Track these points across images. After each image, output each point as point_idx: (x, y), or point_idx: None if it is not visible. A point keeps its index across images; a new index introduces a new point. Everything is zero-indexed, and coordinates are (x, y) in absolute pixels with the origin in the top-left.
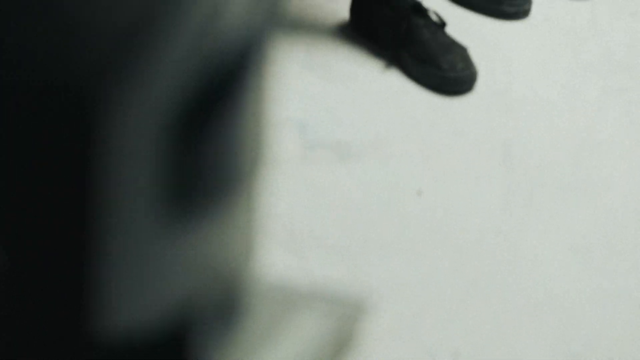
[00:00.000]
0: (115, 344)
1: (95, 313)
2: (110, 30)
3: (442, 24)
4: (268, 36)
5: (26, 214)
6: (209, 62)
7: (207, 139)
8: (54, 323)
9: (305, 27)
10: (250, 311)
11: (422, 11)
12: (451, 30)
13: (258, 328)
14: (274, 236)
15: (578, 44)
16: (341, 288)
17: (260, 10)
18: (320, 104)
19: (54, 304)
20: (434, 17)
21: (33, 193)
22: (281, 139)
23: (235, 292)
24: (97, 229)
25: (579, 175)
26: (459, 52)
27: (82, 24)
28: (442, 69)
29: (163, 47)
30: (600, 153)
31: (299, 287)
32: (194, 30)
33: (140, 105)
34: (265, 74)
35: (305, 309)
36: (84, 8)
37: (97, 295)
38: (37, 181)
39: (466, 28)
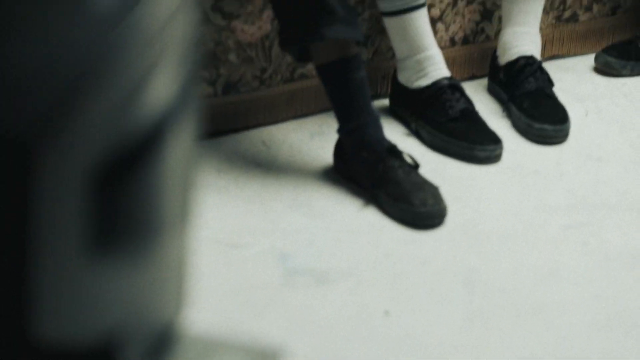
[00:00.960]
0: (52, 354)
1: (33, 325)
2: (44, 88)
3: (415, 166)
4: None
5: None
6: (129, 127)
7: (127, 193)
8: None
9: (293, 170)
10: (177, 346)
11: (397, 154)
12: (426, 172)
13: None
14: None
15: (544, 185)
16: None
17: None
18: (302, 236)
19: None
20: (408, 159)
21: None
22: (263, 266)
23: (164, 327)
24: (33, 259)
25: (535, 301)
26: (430, 191)
27: (18, 79)
28: (414, 205)
29: (88, 110)
30: (557, 281)
31: (224, 336)
32: (117, 100)
33: (66, 159)
34: (186, 140)
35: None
36: (21, 65)
37: (34, 310)
38: None
39: (441, 170)
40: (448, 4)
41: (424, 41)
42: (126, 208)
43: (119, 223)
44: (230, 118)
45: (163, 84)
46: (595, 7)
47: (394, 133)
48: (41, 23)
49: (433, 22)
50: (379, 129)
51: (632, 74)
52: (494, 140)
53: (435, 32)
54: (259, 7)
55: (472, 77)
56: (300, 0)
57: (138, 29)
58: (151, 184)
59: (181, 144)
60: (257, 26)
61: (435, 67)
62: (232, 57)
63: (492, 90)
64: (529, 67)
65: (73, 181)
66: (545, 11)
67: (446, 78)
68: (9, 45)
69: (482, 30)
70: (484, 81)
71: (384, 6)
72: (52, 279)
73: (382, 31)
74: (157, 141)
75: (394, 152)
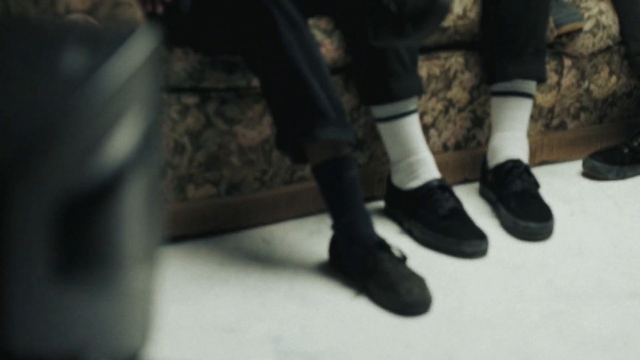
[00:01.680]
0: None
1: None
2: (13, 134)
3: (403, 258)
4: (147, 160)
5: None
6: (91, 172)
7: (88, 228)
8: None
9: (291, 264)
10: None
11: (386, 247)
12: (416, 266)
13: None
14: None
15: (526, 276)
16: None
17: (141, 144)
18: (295, 322)
19: None
20: (396, 253)
21: None
22: (257, 348)
23: (129, 357)
24: (5, 280)
25: None
26: (416, 281)
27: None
28: (400, 294)
29: (53, 155)
30: None
31: None
32: (80, 148)
33: (33, 195)
34: (146, 185)
35: None
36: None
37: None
38: None
39: (430, 264)
40: (440, 112)
41: (416, 145)
42: (87, 242)
43: (82, 254)
44: (233, 217)
45: (124, 136)
46: (582, 116)
47: (388, 232)
48: (19, 79)
49: (426, 128)
50: (369, 225)
51: (617, 177)
52: (480, 237)
53: (428, 138)
54: (259, 113)
55: (465, 181)
56: (295, 103)
57: (101, 88)
58: (110, 222)
59: (140, 188)
60: (258, 131)
61: (426, 169)
62: (234, 159)
63: (483, 193)
64: (515, 170)
65: (39, 215)
66: (534, 119)
67: (436, 179)
68: None
69: (474, 136)
70: (476, 185)
71: (377, 112)
72: (22, 297)
73: (377, 137)
74: (116, 185)
75: (383, 246)
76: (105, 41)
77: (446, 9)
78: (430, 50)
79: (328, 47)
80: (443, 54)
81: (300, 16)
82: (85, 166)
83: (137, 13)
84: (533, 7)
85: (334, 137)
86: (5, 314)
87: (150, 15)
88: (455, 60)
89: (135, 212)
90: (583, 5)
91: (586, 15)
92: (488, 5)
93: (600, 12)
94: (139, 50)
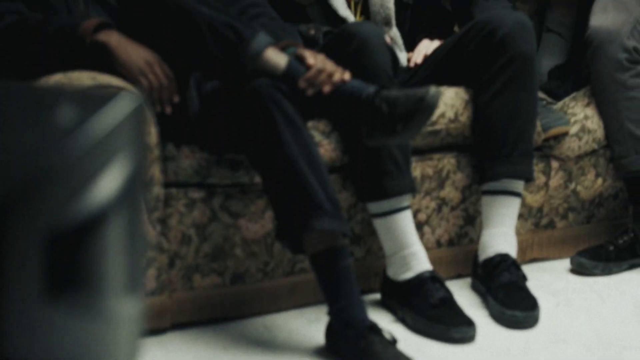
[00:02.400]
0: None
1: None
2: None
3: (393, 341)
4: (130, 200)
5: None
6: (77, 209)
7: (75, 257)
8: None
9: (290, 349)
10: None
11: (377, 331)
12: (407, 350)
13: None
14: None
15: None
16: None
17: (125, 186)
18: None
19: None
20: (387, 336)
21: None
22: None
23: None
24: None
25: None
26: None
27: None
28: None
29: (43, 193)
30: None
31: None
32: (69, 188)
33: (26, 228)
34: (129, 223)
35: None
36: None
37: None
38: None
39: (420, 349)
40: (434, 210)
41: (408, 239)
42: (73, 269)
43: (68, 280)
44: (237, 305)
45: (107, 181)
46: (570, 216)
47: (383, 320)
48: (17, 131)
49: (420, 225)
50: (362, 310)
51: (603, 273)
52: (468, 324)
53: (422, 234)
54: (261, 208)
55: (459, 276)
56: (293, 197)
57: (85, 140)
58: (94, 254)
59: (122, 226)
60: (260, 225)
61: (418, 261)
62: (238, 251)
63: (474, 286)
64: (504, 263)
65: (32, 245)
66: (524, 218)
67: (428, 271)
68: None
69: (466, 234)
70: (469, 279)
71: (373, 208)
72: (16, 316)
73: (374, 233)
74: (100, 222)
75: (374, 329)
76: (91, 101)
77: (433, 109)
78: (424, 152)
79: (326, 148)
80: (436, 156)
81: (299, 117)
82: (72, 205)
83: (147, 112)
84: (521, 112)
85: (329, 227)
86: (1, 330)
87: (159, 115)
88: (447, 162)
89: (117, 246)
90: (570, 110)
91: (572, 119)
92: (478, 110)
93: (586, 117)
94: (120, 108)
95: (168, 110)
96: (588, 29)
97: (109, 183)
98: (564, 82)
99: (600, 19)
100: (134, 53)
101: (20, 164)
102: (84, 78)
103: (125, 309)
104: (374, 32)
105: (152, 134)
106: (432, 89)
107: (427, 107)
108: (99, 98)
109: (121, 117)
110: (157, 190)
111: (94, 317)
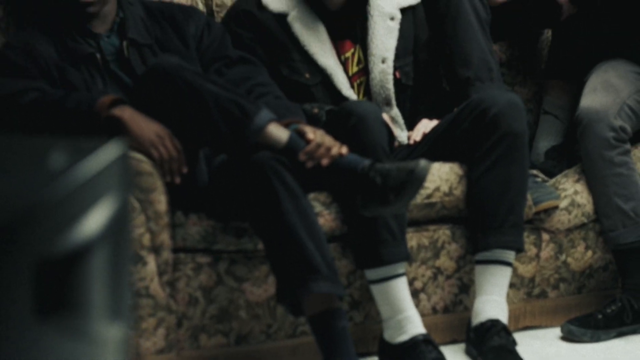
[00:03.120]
0: None
1: None
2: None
3: None
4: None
5: None
6: (65, 241)
7: (63, 283)
8: None
9: None
10: None
11: None
12: None
13: None
14: None
15: None
16: None
17: (110, 222)
18: None
19: None
20: None
21: None
22: None
23: None
24: None
25: None
26: None
27: None
28: None
29: (34, 225)
30: None
31: None
32: (58, 222)
33: (18, 255)
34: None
35: None
36: None
37: None
38: None
39: None
40: (430, 278)
41: (404, 304)
42: (60, 294)
43: (55, 303)
44: None
45: (93, 218)
46: (562, 286)
47: None
48: (14, 173)
49: (417, 292)
50: None
51: (592, 340)
52: None
53: (418, 301)
54: (265, 273)
55: (454, 342)
56: (292, 262)
57: (75, 179)
58: (80, 281)
59: (107, 258)
60: (264, 289)
61: (412, 325)
62: (242, 313)
63: (467, 351)
64: (494, 328)
65: (23, 272)
66: (517, 287)
67: (421, 334)
68: None
69: (461, 301)
70: (463, 345)
71: (370, 275)
72: (8, 334)
73: (372, 299)
74: (86, 253)
75: None
76: (80, 148)
77: (422, 180)
78: (420, 223)
79: (327, 218)
80: (432, 227)
81: (299, 187)
82: (60, 237)
83: (157, 182)
84: (511, 186)
85: (326, 290)
86: None
87: (169, 185)
88: (443, 233)
89: (102, 275)
90: (561, 186)
91: (563, 194)
92: (472, 184)
93: (576, 192)
94: (106, 155)
95: (177, 180)
96: (578, 109)
97: (94, 220)
98: (559, 162)
99: (590, 99)
100: (146, 127)
101: (14, 201)
102: None
103: (109, 332)
104: (371, 110)
105: (162, 202)
106: (422, 162)
107: (417, 178)
108: (87, 146)
109: (107, 162)
110: (167, 255)
111: (79, 338)
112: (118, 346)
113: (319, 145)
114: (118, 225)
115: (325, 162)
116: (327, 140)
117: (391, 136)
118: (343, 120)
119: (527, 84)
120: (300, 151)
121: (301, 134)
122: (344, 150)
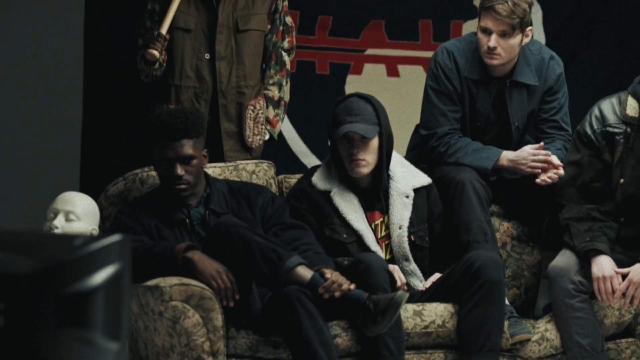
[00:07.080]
0: None
1: None
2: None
3: None
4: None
5: None
6: (75, 288)
7: (74, 311)
8: None
9: None
10: None
11: None
12: None
13: None
14: None
15: None
16: None
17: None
18: None
19: None
20: None
21: None
22: None
23: None
24: None
25: None
26: None
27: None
28: None
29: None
30: None
31: None
32: (70, 278)
33: (50, 291)
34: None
35: None
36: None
37: None
38: None
39: None
40: None
41: None
42: (75, 317)
43: (70, 322)
44: None
45: (101, 273)
46: None
47: None
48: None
49: None
50: None
51: None
52: None
53: None
54: None
55: None
56: None
57: (87, 251)
58: (89, 311)
59: (109, 298)
60: None
61: None
62: None
63: None
64: None
65: (51, 299)
66: None
67: None
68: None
69: None
70: None
71: None
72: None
73: None
74: (94, 293)
75: None
76: (95, 237)
77: (399, 306)
78: (420, 348)
79: (344, 338)
80: (429, 351)
81: (318, 312)
82: (74, 282)
83: (216, 305)
84: (488, 321)
85: None
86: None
87: (226, 308)
88: (438, 356)
89: (105, 309)
90: (536, 324)
91: (535, 330)
92: (460, 319)
93: (546, 330)
94: (110, 240)
95: (231, 304)
96: (548, 268)
97: (101, 274)
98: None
99: (558, 260)
100: (208, 265)
101: (54, 258)
102: (174, 280)
103: (110, 347)
104: (376, 260)
105: (219, 319)
106: (399, 293)
107: (395, 304)
108: (99, 237)
109: (110, 243)
110: (222, 359)
111: (87, 348)
112: (117, 357)
113: (333, 282)
114: (117, 282)
115: (337, 294)
116: (341, 279)
117: (393, 280)
118: (355, 267)
119: (532, 254)
120: (320, 286)
121: (322, 275)
122: (352, 286)
